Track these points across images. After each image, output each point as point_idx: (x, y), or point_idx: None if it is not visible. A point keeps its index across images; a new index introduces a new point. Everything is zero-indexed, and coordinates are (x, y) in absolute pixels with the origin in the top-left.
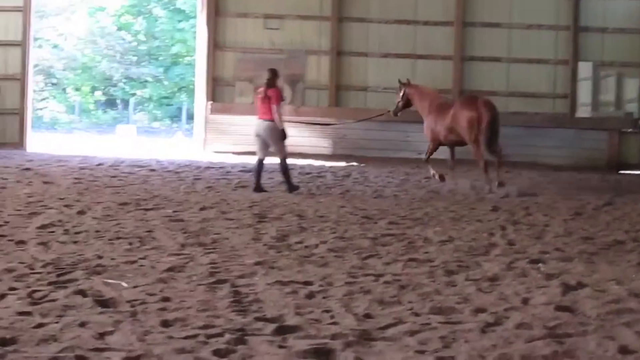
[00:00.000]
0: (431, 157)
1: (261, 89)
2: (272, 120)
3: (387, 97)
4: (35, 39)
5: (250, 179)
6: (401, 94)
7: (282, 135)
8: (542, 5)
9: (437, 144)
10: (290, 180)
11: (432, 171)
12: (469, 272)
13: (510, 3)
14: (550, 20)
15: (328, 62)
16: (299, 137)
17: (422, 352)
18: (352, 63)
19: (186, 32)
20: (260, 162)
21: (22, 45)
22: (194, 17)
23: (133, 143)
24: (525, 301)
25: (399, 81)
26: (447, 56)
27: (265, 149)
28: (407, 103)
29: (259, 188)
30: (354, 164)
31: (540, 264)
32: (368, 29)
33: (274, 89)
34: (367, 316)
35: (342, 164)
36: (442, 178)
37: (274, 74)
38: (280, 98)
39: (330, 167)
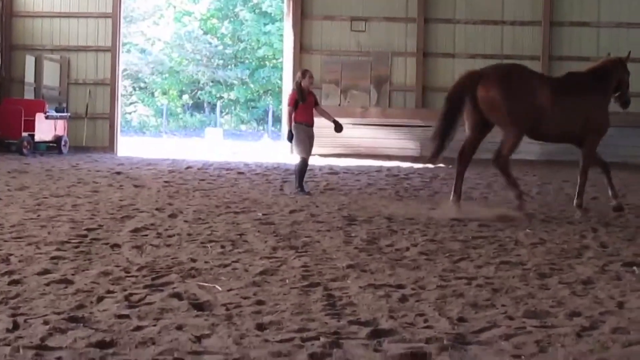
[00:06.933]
0: None
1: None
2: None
3: None
4: (123, 44)
5: (337, 182)
6: None
7: (288, 137)
8: (632, 3)
9: None
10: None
11: None
12: (562, 275)
13: (599, 1)
14: None
15: (414, 64)
16: (385, 139)
17: (517, 356)
18: (438, 64)
19: (272, 34)
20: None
21: (111, 50)
22: (280, 20)
23: (220, 146)
24: (620, 305)
25: None
26: (534, 56)
27: None
28: None
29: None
30: (442, 165)
31: (634, 267)
32: (454, 30)
33: (291, 91)
34: (461, 320)
35: (430, 165)
36: None
37: (301, 74)
38: (289, 100)
39: (418, 168)
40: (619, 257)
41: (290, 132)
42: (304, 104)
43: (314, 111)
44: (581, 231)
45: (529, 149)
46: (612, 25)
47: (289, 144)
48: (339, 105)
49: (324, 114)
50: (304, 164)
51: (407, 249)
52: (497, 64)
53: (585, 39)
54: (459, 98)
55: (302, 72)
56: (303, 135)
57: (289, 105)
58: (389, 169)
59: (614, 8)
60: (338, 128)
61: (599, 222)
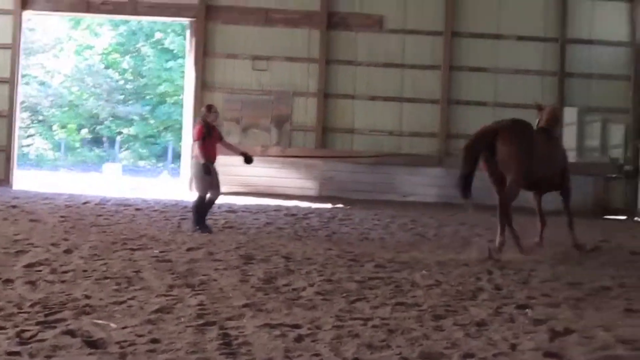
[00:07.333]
0: None
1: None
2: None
3: (374, 139)
4: (23, 76)
5: (235, 220)
6: None
7: (206, 171)
8: (529, 50)
9: None
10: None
11: None
12: (457, 316)
13: (497, 48)
14: (537, 65)
15: (315, 104)
16: (285, 178)
17: None
18: (339, 105)
19: (174, 71)
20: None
21: (9, 82)
22: (182, 56)
23: (119, 182)
24: (513, 347)
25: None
26: (434, 100)
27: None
28: None
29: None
30: (340, 205)
31: (527, 310)
32: (356, 72)
33: (197, 125)
34: None
35: (328, 205)
36: None
37: (206, 109)
38: (197, 134)
39: (316, 208)
40: (512, 299)
41: (206, 165)
42: (209, 139)
43: (220, 146)
44: (476, 273)
45: (426, 191)
46: (510, 71)
47: (192, 179)
48: (239, 143)
49: (231, 148)
50: (201, 201)
51: (304, 288)
52: (509, 120)
53: (483, 84)
54: (478, 148)
55: (207, 107)
56: (206, 173)
57: (196, 139)
58: (287, 208)
59: (511, 55)
60: (248, 160)
61: (494, 264)
